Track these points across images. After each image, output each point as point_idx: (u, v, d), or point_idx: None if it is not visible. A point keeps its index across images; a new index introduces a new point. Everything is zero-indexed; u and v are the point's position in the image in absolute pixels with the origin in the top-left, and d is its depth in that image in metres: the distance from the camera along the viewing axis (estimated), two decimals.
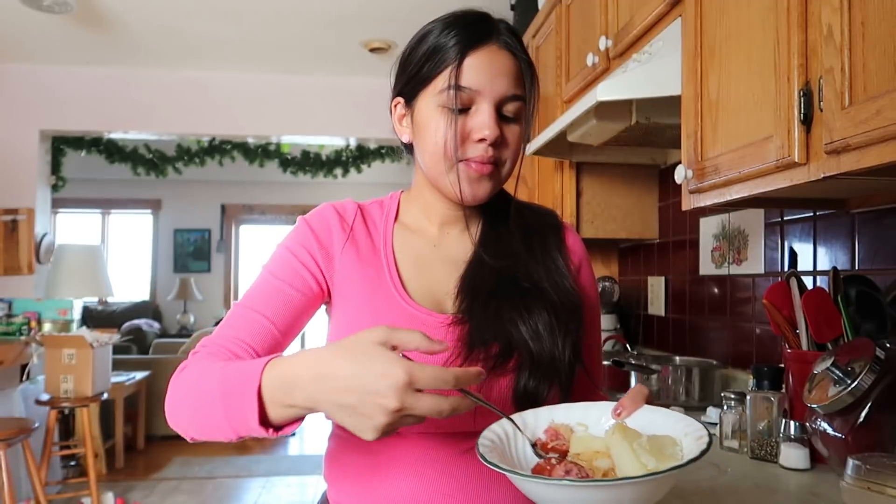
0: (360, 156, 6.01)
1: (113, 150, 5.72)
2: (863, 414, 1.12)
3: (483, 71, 0.85)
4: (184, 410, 0.79)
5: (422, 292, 0.92)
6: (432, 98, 0.87)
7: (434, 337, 0.83)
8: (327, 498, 0.94)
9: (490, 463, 0.66)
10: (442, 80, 0.85)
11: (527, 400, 0.83)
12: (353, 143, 5.55)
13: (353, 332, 0.87)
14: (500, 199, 0.98)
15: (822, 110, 1.01)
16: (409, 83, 0.90)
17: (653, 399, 0.72)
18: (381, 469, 0.86)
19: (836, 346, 1.28)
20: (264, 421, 0.70)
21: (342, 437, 0.92)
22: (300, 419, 0.71)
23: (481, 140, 0.85)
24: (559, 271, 0.93)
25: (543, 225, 0.98)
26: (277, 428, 0.71)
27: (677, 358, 2.15)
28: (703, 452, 0.64)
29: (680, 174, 1.43)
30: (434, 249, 0.96)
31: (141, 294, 8.01)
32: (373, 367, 0.62)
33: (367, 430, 0.63)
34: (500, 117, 0.87)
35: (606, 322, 2.57)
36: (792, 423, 1.32)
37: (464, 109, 0.86)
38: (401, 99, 0.92)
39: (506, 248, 0.93)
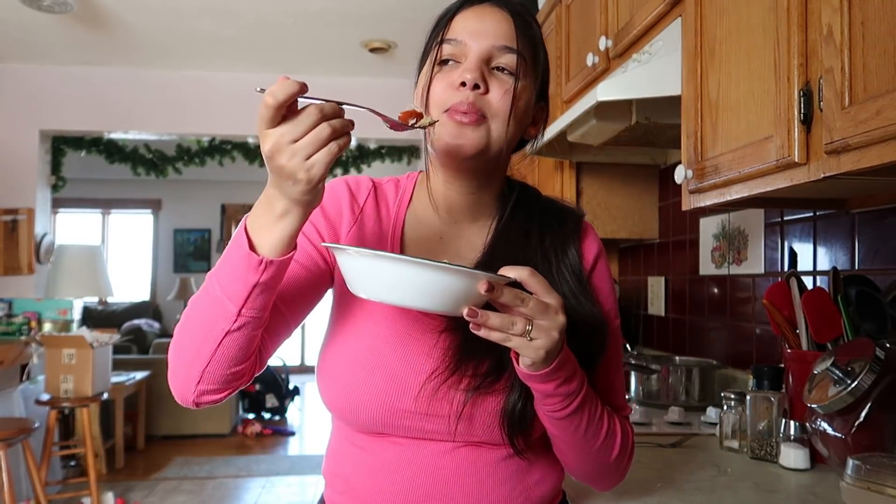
0: (360, 156, 6.01)
1: (113, 150, 5.71)
2: (863, 414, 1.12)
3: (470, 24, 0.85)
4: (179, 332, 0.77)
5: None
6: (427, 62, 0.88)
7: (427, 343, 0.84)
8: (324, 497, 0.94)
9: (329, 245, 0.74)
10: (434, 43, 0.87)
11: (514, 423, 0.81)
12: (353, 143, 5.55)
13: (344, 320, 0.87)
14: (520, 196, 0.93)
15: (822, 110, 1.01)
16: (420, 65, 0.90)
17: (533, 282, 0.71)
18: (371, 470, 0.85)
19: (836, 346, 1.28)
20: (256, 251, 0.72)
21: (338, 438, 0.91)
22: (290, 240, 0.72)
23: (462, 85, 0.82)
24: (581, 286, 0.87)
25: (563, 229, 0.91)
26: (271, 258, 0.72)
27: (677, 358, 2.15)
28: (490, 275, 0.68)
29: (680, 174, 1.43)
30: (441, 242, 0.91)
31: (141, 294, 8.01)
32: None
33: (285, 178, 0.67)
34: (492, 70, 0.84)
35: None
36: (792, 423, 1.32)
37: (450, 62, 0.85)
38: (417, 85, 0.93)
39: (518, 254, 0.87)
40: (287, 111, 0.65)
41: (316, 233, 0.89)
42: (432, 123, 0.81)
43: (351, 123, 0.68)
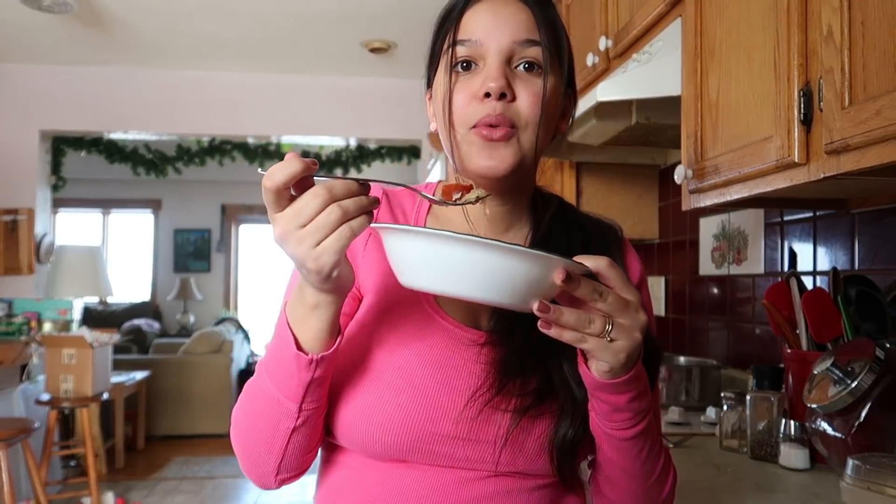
0: (360, 156, 6.00)
1: (113, 150, 5.71)
2: (863, 414, 1.12)
3: (484, 19, 0.76)
4: (243, 423, 0.76)
5: (454, 300, 0.77)
6: (441, 67, 0.79)
7: (466, 357, 0.76)
8: None
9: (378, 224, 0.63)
10: (446, 45, 0.78)
11: (565, 451, 0.72)
12: (353, 143, 5.55)
13: (365, 338, 0.77)
14: (558, 208, 0.86)
15: (822, 110, 1.02)
16: (428, 67, 0.83)
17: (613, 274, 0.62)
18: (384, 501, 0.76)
19: (836, 346, 1.28)
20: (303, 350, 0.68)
21: (335, 469, 0.81)
22: (330, 329, 0.67)
23: (486, 96, 0.73)
24: None
25: (606, 244, 0.84)
26: (319, 356, 0.68)
27: (677, 358, 2.15)
28: (557, 258, 0.58)
29: (680, 174, 1.43)
30: None
31: (141, 294, 8.00)
32: None
33: (302, 257, 0.60)
34: (515, 69, 0.75)
35: None
36: (792, 423, 1.32)
37: (470, 66, 0.76)
38: (428, 89, 0.85)
39: None
40: (300, 189, 0.59)
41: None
42: (481, 198, 0.71)
43: (371, 202, 0.60)
